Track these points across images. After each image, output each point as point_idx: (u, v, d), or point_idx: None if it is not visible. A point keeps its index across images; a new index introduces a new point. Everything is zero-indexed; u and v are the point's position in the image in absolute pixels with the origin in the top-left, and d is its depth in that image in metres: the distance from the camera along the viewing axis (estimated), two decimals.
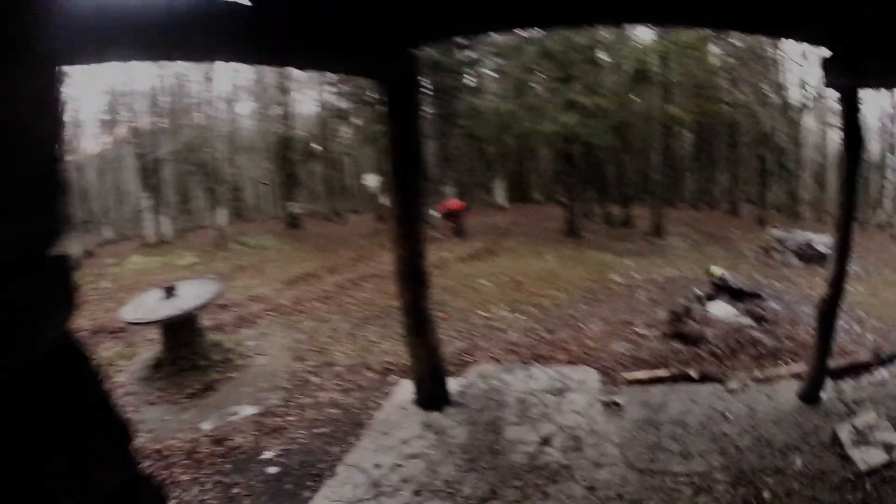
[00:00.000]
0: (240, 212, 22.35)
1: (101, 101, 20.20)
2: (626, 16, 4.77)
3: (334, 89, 21.35)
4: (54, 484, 0.83)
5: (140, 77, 18.81)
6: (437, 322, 4.90)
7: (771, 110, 19.11)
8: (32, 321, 0.81)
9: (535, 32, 14.85)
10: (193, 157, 17.83)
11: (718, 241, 14.33)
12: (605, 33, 16.27)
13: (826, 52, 3.94)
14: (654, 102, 16.25)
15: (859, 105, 3.95)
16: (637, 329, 7.15)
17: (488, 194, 24.34)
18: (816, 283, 9.33)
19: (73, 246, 16.48)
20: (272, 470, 4.26)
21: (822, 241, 11.40)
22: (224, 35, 2.65)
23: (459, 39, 17.88)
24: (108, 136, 21.94)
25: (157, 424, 5.20)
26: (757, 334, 6.53)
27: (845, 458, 3.69)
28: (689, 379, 5.10)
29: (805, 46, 17.51)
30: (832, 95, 16.98)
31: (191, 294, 6.29)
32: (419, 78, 4.48)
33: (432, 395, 4.70)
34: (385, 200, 15.93)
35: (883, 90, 16.59)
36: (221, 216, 18.39)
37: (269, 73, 20.64)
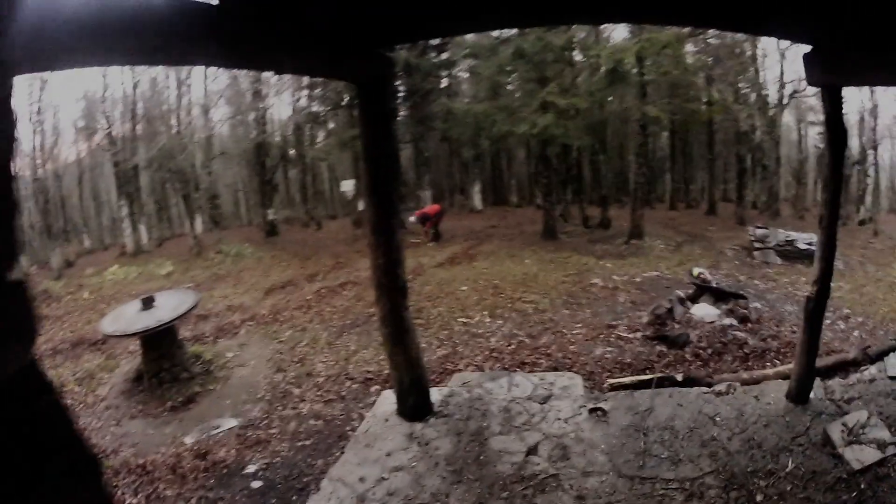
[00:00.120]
0: (217, 219, 22.02)
1: (77, 107, 20.11)
2: (603, 14, 4.70)
3: (309, 93, 21.14)
4: None
5: (115, 83, 18.52)
6: (417, 330, 4.79)
7: (748, 108, 19.26)
8: None
9: (510, 32, 14.77)
10: (170, 163, 17.59)
11: (698, 241, 14.36)
12: (581, 32, 16.26)
13: (808, 49, 3.88)
14: (631, 102, 16.27)
15: (842, 102, 3.90)
16: (620, 332, 7.10)
17: (465, 198, 24.16)
18: (799, 282, 9.40)
19: (53, 256, 16.27)
20: (256, 484, 4.23)
21: (803, 239, 11.48)
22: (194, 38, 2.54)
23: (433, 41, 17.78)
24: (85, 144, 21.56)
25: (139, 438, 5.20)
26: (741, 335, 6.51)
27: (838, 458, 3.65)
28: (674, 382, 5.03)
29: (783, 44, 17.78)
30: (810, 92, 17.29)
31: (169, 305, 6.21)
32: (392, 79, 4.37)
33: (415, 406, 4.60)
34: (362, 205, 15.81)
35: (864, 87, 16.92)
36: (198, 224, 18.17)
37: (245, 77, 20.32)
